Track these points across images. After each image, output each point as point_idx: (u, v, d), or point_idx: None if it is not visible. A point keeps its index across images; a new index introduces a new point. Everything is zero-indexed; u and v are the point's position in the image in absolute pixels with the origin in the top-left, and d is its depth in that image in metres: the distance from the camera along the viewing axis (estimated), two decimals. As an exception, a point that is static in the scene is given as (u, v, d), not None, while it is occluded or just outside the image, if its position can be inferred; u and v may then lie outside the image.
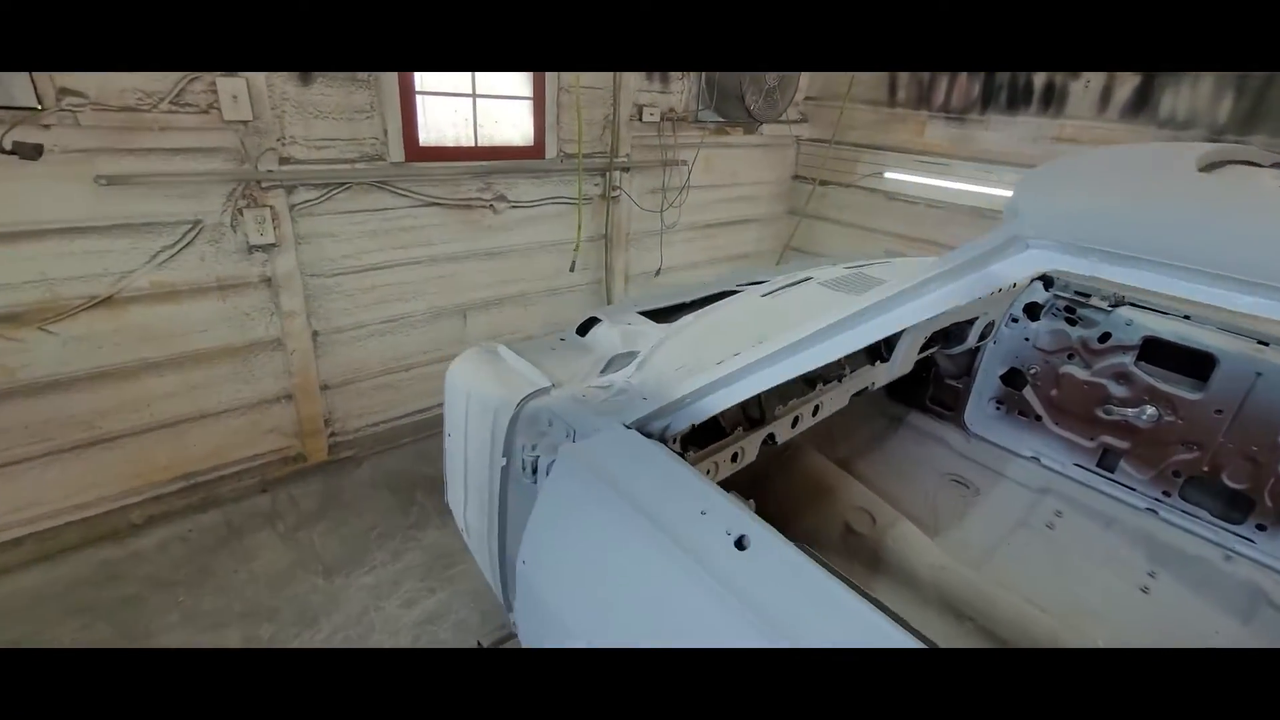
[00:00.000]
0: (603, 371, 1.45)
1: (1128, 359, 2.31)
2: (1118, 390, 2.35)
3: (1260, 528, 2.14)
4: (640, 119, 3.74)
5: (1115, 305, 2.32)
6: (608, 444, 1.11)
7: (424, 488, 3.11)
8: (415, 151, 2.94)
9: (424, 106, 2.93)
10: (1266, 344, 2.06)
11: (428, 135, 2.99)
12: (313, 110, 2.63)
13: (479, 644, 2.24)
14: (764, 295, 1.74)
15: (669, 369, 1.32)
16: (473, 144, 3.17)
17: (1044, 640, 1.72)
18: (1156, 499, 2.33)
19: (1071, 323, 2.42)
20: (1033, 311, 2.49)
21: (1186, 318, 2.22)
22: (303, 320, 2.87)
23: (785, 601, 0.81)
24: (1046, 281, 2.48)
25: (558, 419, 1.28)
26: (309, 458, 3.12)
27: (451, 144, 3.10)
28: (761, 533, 0.89)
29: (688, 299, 1.91)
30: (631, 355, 1.49)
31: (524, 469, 1.29)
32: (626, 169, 3.78)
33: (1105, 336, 2.34)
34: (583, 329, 1.69)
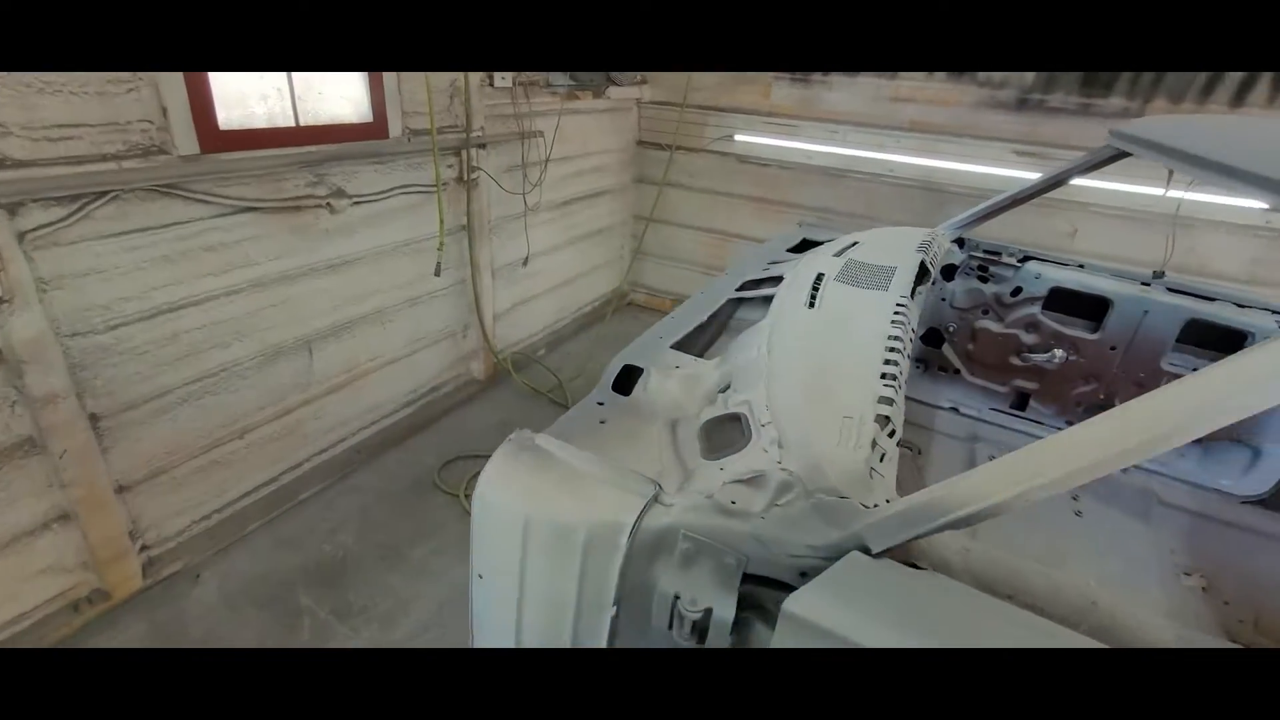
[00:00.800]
0: (712, 453, 1.07)
1: (1036, 309, 2.51)
2: (1028, 338, 2.57)
3: (1143, 440, 2.52)
4: (491, 84, 3.14)
5: (1023, 261, 2.49)
6: (865, 587, 0.78)
7: (305, 583, 2.37)
8: (214, 138, 2.07)
9: (220, 74, 2.05)
10: (1149, 283, 2.36)
11: (230, 115, 2.12)
12: (35, 81, 1.66)
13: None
14: (808, 306, 1.48)
15: (827, 443, 1.00)
16: (293, 124, 2.34)
17: (1078, 604, 1.79)
18: (1059, 429, 2.63)
19: (984, 280, 2.57)
20: (948, 273, 2.59)
21: (1081, 266, 2.47)
22: (71, 403, 1.91)
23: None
24: (959, 243, 2.58)
25: (708, 546, 0.90)
26: (115, 592, 2.16)
27: (265, 125, 2.25)
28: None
29: (702, 318, 1.57)
30: (733, 420, 1.13)
31: (676, 624, 0.89)
32: (483, 145, 3.18)
33: (1017, 290, 2.51)
34: (621, 384, 1.27)
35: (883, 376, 1.18)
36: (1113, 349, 2.42)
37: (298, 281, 2.52)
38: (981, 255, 2.55)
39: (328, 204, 2.54)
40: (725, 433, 1.10)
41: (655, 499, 0.96)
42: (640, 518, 0.93)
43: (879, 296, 1.57)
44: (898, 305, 1.50)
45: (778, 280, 1.79)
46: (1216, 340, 2.28)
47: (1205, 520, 2.39)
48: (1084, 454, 0.75)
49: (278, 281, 2.45)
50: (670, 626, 0.89)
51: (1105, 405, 2.52)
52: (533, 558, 1.01)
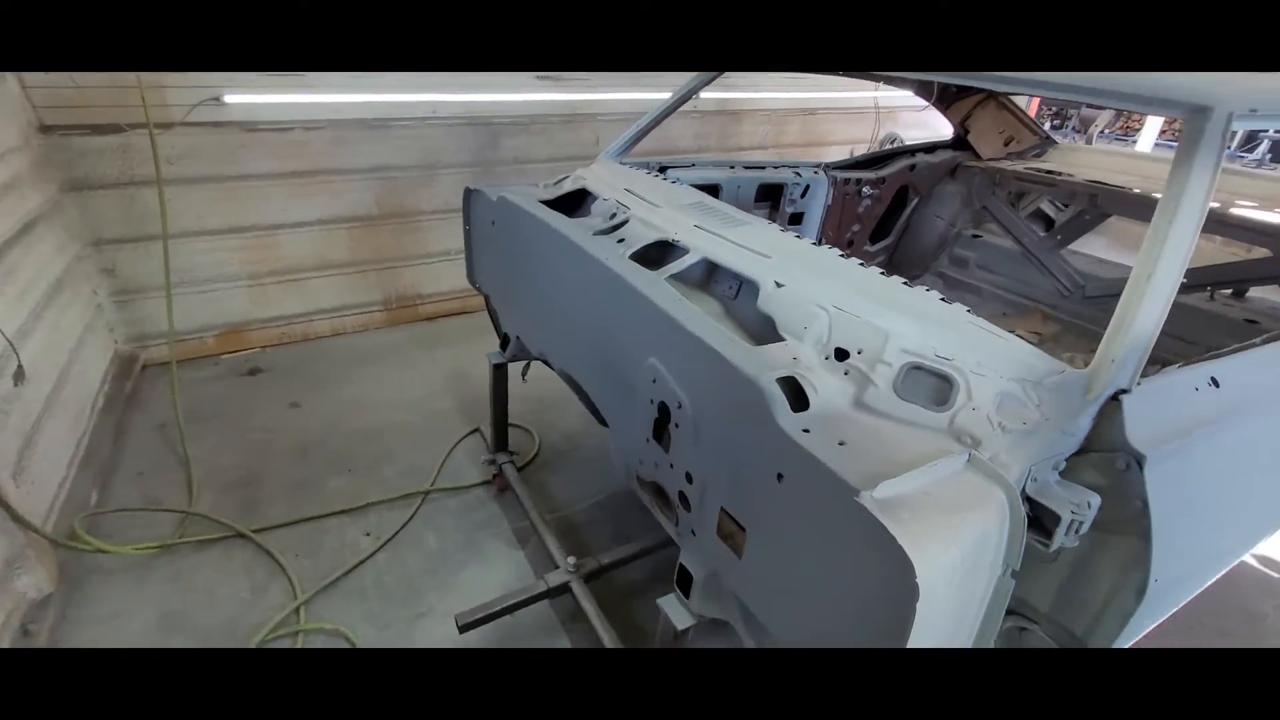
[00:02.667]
0: (939, 405, 1.10)
1: (680, 206, 3.05)
2: (679, 234, 3.12)
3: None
4: None
5: (663, 170, 2.94)
6: (1168, 398, 1.07)
7: None
8: None
9: None
10: (733, 167, 3.15)
11: None
12: None
13: None
14: (765, 256, 1.50)
15: (992, 347, 1.17)
16: None
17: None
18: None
19: (639, 196, 2.92)
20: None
21: (693, 165, 3.07)
22: None
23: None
24: (615, 169, 2.82)
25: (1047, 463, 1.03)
26: None
27: None
28: None
29: (697, 314, 1.39)
30: (913, 373, 1.16)
31: (1069, 536, 1.02)
32: None
33: (668, 195, 2.97)
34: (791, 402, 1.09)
35: (905, 283, 1.40)
36: (728, 218, 3.21)
37: None
38: (631, 175, 2.87)
39: None
40: (918, 385, 1.15)
41: (989, 460, 1.01)
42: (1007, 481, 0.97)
43: (756, 230, 1.73)
44: (790, 231, 1.71)
45: (671, 247, 1.71)
46: (770, 194, 3.30)
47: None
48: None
49: None
50: (1069, 534, 1.00)
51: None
52: (971, 575, 0.94)
